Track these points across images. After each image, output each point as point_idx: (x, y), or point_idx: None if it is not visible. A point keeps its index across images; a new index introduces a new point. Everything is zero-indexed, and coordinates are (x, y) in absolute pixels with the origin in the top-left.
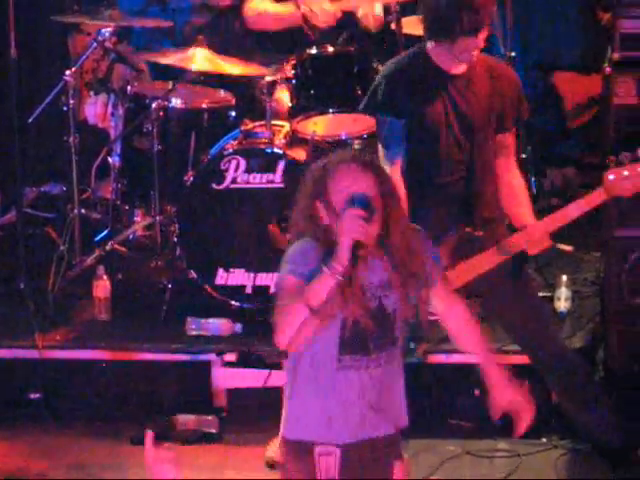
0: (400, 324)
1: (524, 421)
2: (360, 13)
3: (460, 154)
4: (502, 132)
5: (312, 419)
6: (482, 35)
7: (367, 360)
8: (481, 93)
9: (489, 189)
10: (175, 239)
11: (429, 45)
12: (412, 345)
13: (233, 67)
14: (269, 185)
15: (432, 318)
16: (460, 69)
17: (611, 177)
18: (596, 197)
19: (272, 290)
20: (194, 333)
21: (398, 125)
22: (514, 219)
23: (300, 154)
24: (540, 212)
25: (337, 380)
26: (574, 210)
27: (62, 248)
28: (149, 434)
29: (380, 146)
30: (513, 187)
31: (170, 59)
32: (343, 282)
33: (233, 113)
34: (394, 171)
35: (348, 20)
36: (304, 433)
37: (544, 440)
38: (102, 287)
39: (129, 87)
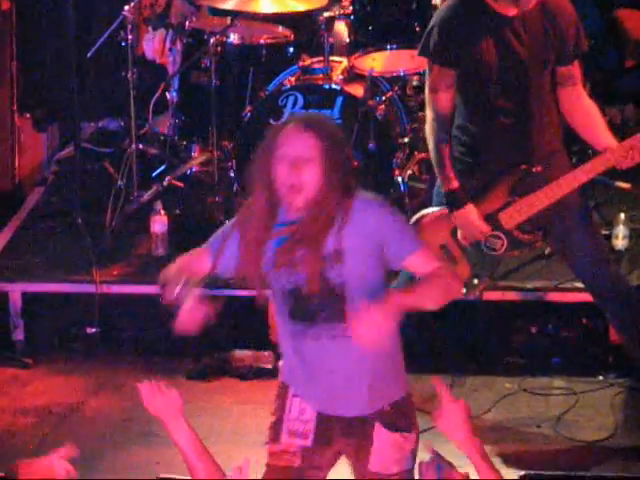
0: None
1: None
2: None
3: (516, 95)
4: (564, 65)
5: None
6: None
7: (318, 329)
8: (537, 32)
9: (547, 127)
10: (232, 175)
11: None
12: (475, 281)
13: (297, 4)
14: None
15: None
16: (516, 10)
17: None
18: None
19: None
20: None
21: (448, 73)
22: (594, 143)
23: (358, 90)
24: None
25: (298, 346)
26: None
27: (120, 183)
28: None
29: (427, 90)
30: (588, 113)
31: (231, 2)
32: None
33: (291, 49)
34: (440, 115)
35: None
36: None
37: (601, 378)
38: (159, 222)
39: (187, 22)
